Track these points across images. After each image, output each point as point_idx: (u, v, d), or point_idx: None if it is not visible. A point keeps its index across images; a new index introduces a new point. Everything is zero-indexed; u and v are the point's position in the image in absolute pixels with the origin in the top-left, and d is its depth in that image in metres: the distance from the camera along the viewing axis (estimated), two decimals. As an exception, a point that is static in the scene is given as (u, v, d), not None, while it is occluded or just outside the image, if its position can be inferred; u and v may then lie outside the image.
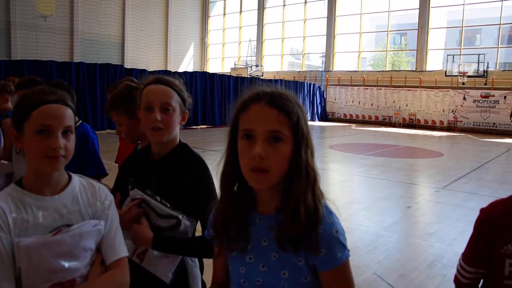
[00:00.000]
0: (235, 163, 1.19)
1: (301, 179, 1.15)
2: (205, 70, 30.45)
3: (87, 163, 2.64)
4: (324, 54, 27.34)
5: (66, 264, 1.30)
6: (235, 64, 30.37)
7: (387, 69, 26.30)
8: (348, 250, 1.19)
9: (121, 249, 1.45)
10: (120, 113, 2.18)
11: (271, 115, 1.13)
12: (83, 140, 2.74)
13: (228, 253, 1.30)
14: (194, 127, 18.90)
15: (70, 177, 1.43)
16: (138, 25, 28.47)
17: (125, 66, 19.66)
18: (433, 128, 22.33)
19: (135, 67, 19.67)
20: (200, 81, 19.82)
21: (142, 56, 28.09)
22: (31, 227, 1.28)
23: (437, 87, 22.40)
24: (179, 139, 1.86)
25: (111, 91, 2.56)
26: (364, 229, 5.53)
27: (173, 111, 1.74)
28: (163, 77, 1.80)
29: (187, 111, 1.84)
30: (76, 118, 2.82)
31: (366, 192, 7.87)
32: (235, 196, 1.24)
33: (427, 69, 23.34)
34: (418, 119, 23.06)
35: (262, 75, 27.59)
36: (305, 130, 1.17)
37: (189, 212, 1.72)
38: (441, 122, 22.34)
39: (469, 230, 1.57)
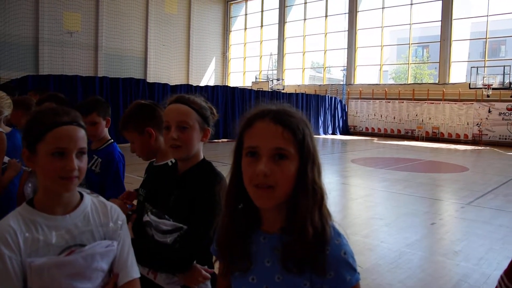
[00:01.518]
0: (239, 181, 1.17)
1: (308, 198, 1.12)
2: (226, 84, 30.68)
3: (107, 184, 2.66)
4: (345, 67, 27.25)
5: (78, 285, 1.29)
6: (256, 78, 30.50)
7: (409, 82, 26.03)
8: (358, 274, 1.14)
9: (133, 270, 1.44)
10: (130, 131, 2.20)
11: (276, 132, 1.11)
12: (109, 160, 2.75)
13: (231, 272, 1.27)
14: (215, 140, 18.98)
15: (81, 196, 1.42)
16: (161, 40, 28.92)
17: (148, 81, 19.94)
18: (457, 141, 21.92)
19: (157, 81, 19.93)
20: (221, 95, 19.97)
21: (164, 70, 28.47)
22: (42, 247, 1.27)
23: (461, 100, 22.03)
24: (203, 156, 1.89)
25: None
26: (386, 246, 5.41)
27: (190, 129, 1.78)
28: (183, 96, 1.84)
29: (209, 128, 1.86)
30: (108, 136, 2.84)
31: (388, 207, 7.72)
32: (239, 214, 1.21)
33: (450, 82, 23.01)
34: (441, 133, 22.69)
35: (283, 89, 27.64)
36: (311, 147, 1.14)
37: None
38: (466, 135, 21.93)
39: (497, 249, 1.50)
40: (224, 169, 1.81)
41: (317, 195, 1.13)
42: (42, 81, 14.79)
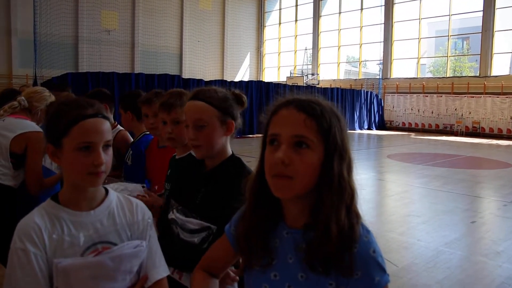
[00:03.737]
0: (263, 172, 1.11)
1: (332, 193, 1.04)
2: (260, 79, 30.65)
3: (139, 176, 2.68)
4: (382, 61, 26.70)
5: (105, 286, 1.26)
6: (291, 73, 30.34)
7: (448, 76, 25.23)
8: (388, 275, 1.06)
9: (162, 269, 1.41)
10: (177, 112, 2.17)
11: (298, 119, 1.06)
12: (137, 153, 2.80)
13: (249, 268, 1.20)
14: (250, 135, 18.99)
15: (107, 192, 1.39)
16: (196, 36, 29.16)
17: (183, 76, 20.15)
18: (499, 136, 21.10)
19: (192, 77, 20.11)
20: (255, 90, 19.95)
21: (199, 66, 28.69)
22: (67, 244, 1.25)
23: (504, 93, 21.19)
24: (232, 152, 1.81)
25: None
26: (424, 244, 5.26)
27: (208, 127, 1.68)
28: (201, 90, 1.75)
29: (233, 120, 1.76)
30: (143, 128, 2.90)
31: (426, 204, 7.51)
32: (262, 207, 1.15)
33: (492, 74, 22.15)
34: (482, 127, 21.90)
35: (318, 84, 27.37)
36: (338, 140, 1.07)
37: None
38: (508, 130, 21.09)
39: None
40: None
41: (344, 193, 1.06)
42: (80, 78, 15.20)
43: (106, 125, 1.31)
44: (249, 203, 1.19)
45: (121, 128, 3.45)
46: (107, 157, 1.29)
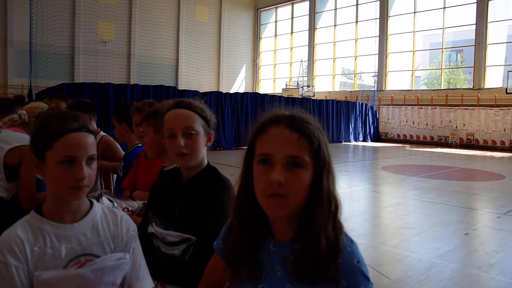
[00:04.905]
0: (249, 189, 1.12)
1: (323, 208, 1.07)
2: (256, 91, 30.76)
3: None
4: (377, 73, 26.89)
5: None
6: (286, 85, 30.48)
7: (442, 88, 25.46)
8: (372, 283, 1.08)
9: (146, 281, 1.41)
10: (149, 124, 2.22)
11: (291, 139, 1.07)
12: (128, 165, 2.82)
13: (239, 280, 1.21)
14: (244, 147, 18.98)
15: (91, 204, 1.39)
16: (192, 47, 29.29)
17: (178, 88, 20.21)
18: (493, 148, 21.22)
19: (188, 89, 20.15)
20: (250, 102, 20.01)
21: (195, 77, 28.79)
22: (49, 256, 1.24)
23: (497, 105, 21.34)
24: (207, 162, 1.81)
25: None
26: (417, 256, 5.26)
27: (196, 135, 1.71)
28: (183, 100, 1.77)
29: (212, 131, 1.79)
30: (135, 141, 2.92)
31: (420, 216, 7.52)
32: (249, 224, 1.16)
33: (485, 87, 22.34)
34: (476, 139, 22.02)
35: (314, 95, 27.50)
36: (326, 156, 1.10)
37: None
38: (502, 142, 21.22)
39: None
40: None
41: (331, 205, 1.09)
42: (76, 89, 15.20)
43: (90, 139, 1.32)
44: (235, 218, 1.20)
45: (104, 133, 3.50)
46: (90, 171, 1.29)
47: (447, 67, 29.63)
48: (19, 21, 21.95)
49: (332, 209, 1.09)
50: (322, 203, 1.07)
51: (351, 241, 1.12)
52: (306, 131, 1.08)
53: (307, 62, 30.90)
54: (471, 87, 23.28)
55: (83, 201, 1.35)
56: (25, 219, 1.29)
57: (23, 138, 2.77)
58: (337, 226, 1.10)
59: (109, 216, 1.40)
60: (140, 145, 2.93)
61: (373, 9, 27.43)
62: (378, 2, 26.83)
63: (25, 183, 2.71)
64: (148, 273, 1.44)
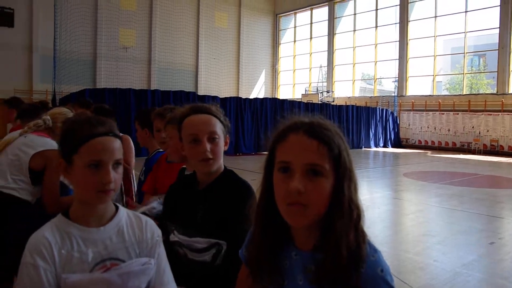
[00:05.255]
0: (270, 196, 1.12)
1: (344, 217, 1.05)
2: (276, 97, 30.78)
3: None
4: (397, 78, 26.64)
5: None
6: (305, 90, 30.42)
7: (464, 93, 25.03)
8: None
9: (170, 286, 1.41)
10: (173, 128, 2.17)
11: (310, 146, 1.05)
12: (148, 170, 2.84)
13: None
14: (264, 153, 19.03)
15: (117, 208, 1.40)
16: (211, 53, 29.51)
17: (198, 93, 20.35)
18: (518, 155, 20.77)
19: (208, 94, 20.29)
20: (270, 108, 20.03)
21: (214, 83, 28.97)
22: (76, 260, 1.26)
23: (522, 111, 20.90)
24: (224, 166, 1.81)
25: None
26: (440, 265, 5.15)
27: (219, 139, 1.71)
28: (201, 105, 1.77)
29: (228, 135, 1.79)
30: (155, 146, 2.94)
31: (442, 224, 7.38)
32: (270, 231, 1.15)
33: (510, 92, 21.90)
34: (501, 146, 21.57)
35: (333, 101, 27.37)
36: (347, 163, 1.08)
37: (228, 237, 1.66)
38: (528, 149, 20.75)
39: None
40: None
41: (353, 214, 1.07)
42: (98, 94, 15.45)
43: (117, 143, 1.33)
44: (256, 227, 1.19)
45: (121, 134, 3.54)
46: (116, 175, 1.30)
47: (470, 72, 29.12)
48: (44, 28, 22.46)
49: (354, 217, 1.07)
50: (343, 212, 1.06)
51: (375, 250, 1.09)
52: (325, 138, 1.07)
53: (326, 67, 30.80)
54: (495, 92, 22.84)
55: (108, 205, 1.36)
56: (53, 222, 1.32)
57: (47, 143, 2.81)
58: (360, 235, 1.08)
59: (134, 221, 1.41)
60: (161, 150, 2.94)
61: (393, 14, 27.23)
62: (398, 6, 26.61)
63: (49, 187, 2.75)
64: (172, 278, 1.44)
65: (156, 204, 2.30)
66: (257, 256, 1.17)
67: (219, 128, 1.72)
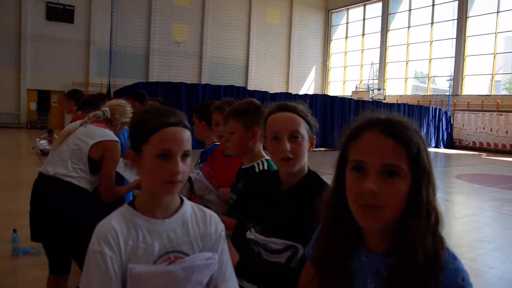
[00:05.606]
0: (341, 195, 1.08)
1: (420, 221, 0.99)
2: (326, 93, 30.47)
3: None
4: (452, 77, 25.66)
5: None
6: (356, 88, 29.92)
7: (526, 93, 23.79)
8: None
9: (232, 283, 1.40)
10: (237, 123, 2.17)
11: (387, 146, 1.00)
12: (203, 162, 2.90)
13: None
14: (314, 149, 18.84)
15: (182, 200, 1.39)
16: (262, 49, 29.59)
17: (248, 88, 20.47)
18: None
19: (258, 89, 20.37)
20: (320, 104, 19.86)
21: (264, 78, 29.04)
22: (142, 251, 1.26)
23: None
24: (308, 168, 1.75)
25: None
26: (496, 273, 4.94)
27: (301, 139, 1.65)
28: (287, 103, 1.72)
29: (314, 136, 1.73)
30: (212, 139, 2.99)
31: (498, 230, 7.07)
32: (339, 231, 1.11)
33: None
34: None
35: (384, 99, 26.77)
36: (426, 164, 1.01)
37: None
38: None
39: None
40: (325, 180, 1.75)
41: (431, 218, 1.01)
42: (151, 88, 15.81)
43: (186, 134, 1.31)
44: (325, 225, 1.16)
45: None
46: (184, 167, 1.28)
47: (532, 71, 27.59)
48: (101, 23, 23.36)
49: (431, 221, 1.01)
50: (420, 215, 1.00)
51: (454, 257, 1.02)
52: (403, 137, 1.00)
53: (378, 64, 30.13)
54: (559, 93, 21.58)
55: (174, 196, 1.36)
56: (120, 212, 1.32)
57: (106, 134, 2.91)
58: (438, 241, 1.01)
59: (198, 214, 1.40)
60: (217, 143, 2.98)
61: (451, 10, 26.21)
62: (457, 2, 25.62)
63: (106, 177, 2.84)
64: (234, 275, 1.43)
65: (198, 182, 2.35)
66: (324, 256, 1.14)
67: (303, 127, 1.67)
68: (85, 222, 2.77)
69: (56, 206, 2.71)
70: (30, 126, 23.98)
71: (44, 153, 11.99)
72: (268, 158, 2.23)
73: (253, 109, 2.19)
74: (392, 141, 1.00)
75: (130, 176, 3.27)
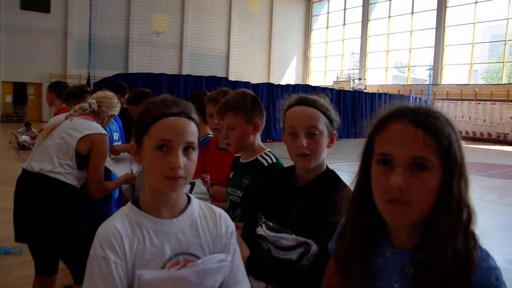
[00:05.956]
0: (367, 189, 1.01)
1: (451, 218, 0.92)
2: (307, 83, 30.48)
3: None
4: (432, 66, 25.94)
5: None
6: (337, 77, 30.02)
7: (503, 82, 24.17)
8: None
9: (244, 284, 1.31)
10: (237, 116, 2.07)
11: (415, 137, 0.93)
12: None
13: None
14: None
15: (189, 199, 1.29)
16: (243, 39, 29.41)
17: (229, 79, 20.32)
18: (558, 148, 20.01)
19: (239, 80, 20.23)
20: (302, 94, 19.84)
21: (246, 69, 28.90)
22: (149, 254, 1.16)
23: None
24: (326, 165, 1.68)
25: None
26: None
27: (320, 135, 1.57)
28: (307, 97, 1.64)
29: (335, 131, 1.64)
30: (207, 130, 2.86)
31: (483, 218, 7.00)
32: (364, 226, 1.05)
33: (552, 82, 21.05)
34: (540, 137, 20.83)
35: (365, 89, 26.92)
36: (458, 157, 0.95)
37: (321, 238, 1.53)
38: None
39: None
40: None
41: (463, 214, 0.94)
42: (131, 79, 15.56)
43: (190, 125, 1.21)
44: (349, 221, 1.10)
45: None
46: (187, 162, 1.18)
47: (510, 60, 28.06)
48: (78, 13, 22.80)
49: (463, 218, 0.94)
50: (451, 211, 0.93)
51: (487, 255, 0.96)
52: (433, 128, 0.94)
53: (359, 54, 30.25)
54: (536, 82, 22.00)
55: (180, 194, 1.26)
56: (123, 212, 1.22)
57: (93, 127, 2.78)
58: (470, 238, 0.95)
59: (207, 213, 1.31)
60: (211, 135, 2.86)
61: (431, 0, 26.42)
62: (437, -8, 25.82)
63: (94, 172, 2.73)
64: (246, 276, 1.35)
65: (201, 185, 2.23)
66: (347, 252, 1.08)
67: (322, 123, 1.58)
68: (73, 221, 2.65)
69: (41, 204, 2.58)
70: (6, 119, 23.37)
71: (23, 146, 11.79)
72: (270, 149, 2.15)
73: (251, 101, 2.10)
74: (421, 132, 0.93)
75: (119, 171, 3.15)
